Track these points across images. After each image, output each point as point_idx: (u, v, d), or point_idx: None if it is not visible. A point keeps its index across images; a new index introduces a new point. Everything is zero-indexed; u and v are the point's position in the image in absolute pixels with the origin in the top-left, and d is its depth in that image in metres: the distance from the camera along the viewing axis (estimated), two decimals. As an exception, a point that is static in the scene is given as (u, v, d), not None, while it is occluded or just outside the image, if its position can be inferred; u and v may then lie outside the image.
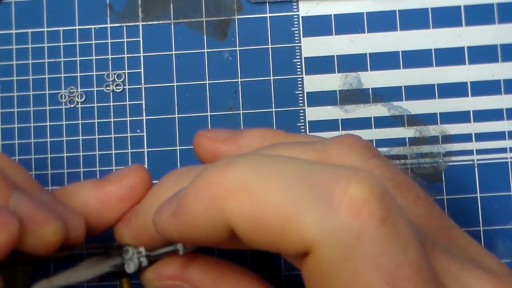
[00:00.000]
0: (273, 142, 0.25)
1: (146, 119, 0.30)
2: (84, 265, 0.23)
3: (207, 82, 0.30)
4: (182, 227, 0.19)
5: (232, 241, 0.19)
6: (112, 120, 0.30)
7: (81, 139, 0.30)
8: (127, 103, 0.30)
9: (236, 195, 0.18)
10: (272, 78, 0.30)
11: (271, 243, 0.18)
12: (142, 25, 0.30)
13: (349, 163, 0.21)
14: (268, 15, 0.30)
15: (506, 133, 0.29)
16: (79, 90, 0.30)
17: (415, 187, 0.22)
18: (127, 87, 0.30)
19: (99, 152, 0.30)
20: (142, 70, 0.30)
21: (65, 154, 0.30)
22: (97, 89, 0.30)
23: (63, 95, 0.30)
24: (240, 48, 0.30)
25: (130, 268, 0.23)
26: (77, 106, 0.30)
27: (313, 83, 0.30)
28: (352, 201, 0.17)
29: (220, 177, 0.18)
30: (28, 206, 0.21)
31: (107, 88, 0.30)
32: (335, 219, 0.17)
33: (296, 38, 0.30)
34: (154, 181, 0.27)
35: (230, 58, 0.30)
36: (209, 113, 0.30)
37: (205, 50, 0.30)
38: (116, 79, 0.30)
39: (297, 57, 0.30)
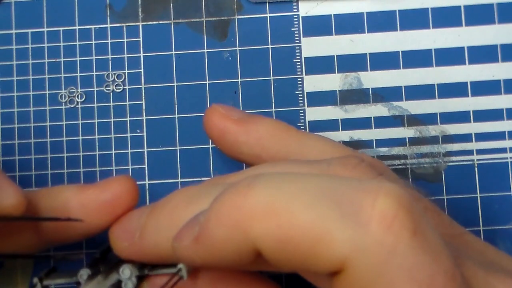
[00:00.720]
0: (282, 136, 0.25)
1: (146, 119, 0.30)
2: None
3: (207, 82, 0.30)
4: (205, 252, 0.19)
5: (258, 264, 0.19)
6: (112, 120, 0.30)
7: (81, 139, 0.30)
8: (127, 103, 0.30)
9: (260, 217, 0.17)
10: (272, 78, 0.30)
11: (300, 263, 0.17)
12: (142, 25, 0.30)
13: None
14: (268, 15, 0.30)
15: (506, 133, 0.29)
16: (79, 90, 0.30)
17: (422, 199, 0.22)
18: (127, 87, 0.30)
19: (99, 152, 0.30)
20: (142, 70, 0.30)
21: (65, 154, 0.30)
22: (97, 89, 0.30)
23: (63, 95, 0.30)
24: (240, 48, 0.30)
25: (128, 287, 0.23)
26: (77, 106, 0.30)
27: (313, 83, 0.30)
28: (382, 215, 0.17)
29: (243, 200, 0.18)
30: None
31: (107, 88, 0.30)
32: (367, 234, 0.16)
33: (296, 38, 0.30)
34: (154, 182, 0.27)
35: (230, 58, 0.30)
36: (209, 113, 0.30)
37: (205, 50, 0.30)
38: (116, 79, 0.30)
39: (297, 57, 0.30)
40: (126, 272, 0.23)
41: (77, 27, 0.30)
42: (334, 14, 0.30)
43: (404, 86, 0.30)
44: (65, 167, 0.29)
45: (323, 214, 0.17)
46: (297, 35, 0.30)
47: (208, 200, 0.19)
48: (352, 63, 0.30)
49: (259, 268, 0.20)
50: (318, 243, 0.17)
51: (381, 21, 0.30)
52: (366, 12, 0.30)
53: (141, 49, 0.30)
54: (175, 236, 0.20)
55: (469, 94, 0.30)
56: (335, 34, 0.30)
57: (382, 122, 0.30)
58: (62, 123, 0.30)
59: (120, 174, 0.24)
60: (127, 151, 0.30)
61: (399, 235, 0.16)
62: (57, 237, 0.24)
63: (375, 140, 0.29)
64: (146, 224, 0.22)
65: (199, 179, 0.29)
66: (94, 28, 0.30)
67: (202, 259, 0.19)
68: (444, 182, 0.29)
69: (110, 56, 0.30)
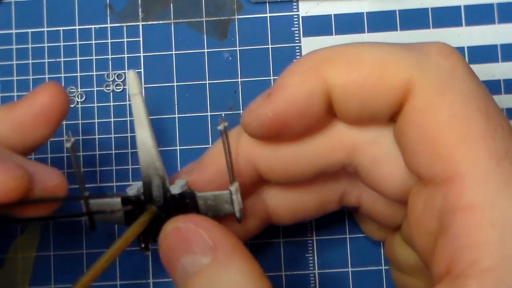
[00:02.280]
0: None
1: (146, 119, 0.30)
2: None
3: (207, 82, 0.30)
4: (277, 105, 0.20)
5: (328, 117, 0.21)
6: (112, 120, 0.30)
7: (81, 139, 0.30)
8: (127, 103, 0.30)
9: (330, 60, 0.20)
10: (272, 78, 0.30)
11: (369, 97, 0.19)
12: (142, 25, 0.30)
13: None
14: (268, 15, 0.30)
15: (506, 133, 0.29)
16: (79, 90, 0.30)
17: None
18: (127, 87, 0.30)
19: (99, 152, 0.30)
20: (142, 70, 0.30)
21: (65, 154, 0.30)
22: (97, 89, 0.30)
23: (63, 95, 0.30)
24: (240, 48, 0.30)
25: (176, 187, 0.22)
26: (77, 106, 0.30)
27: (313, 83, 0.30)
28: (440, 49, 0.19)
29: (313, 53, 0.20)
30: None
31: (107, 88, 0.30)
32: (429, 60, 0.19)
33: (296, 38, 0.30)
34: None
35: (230, 58, 0.30)
36: (209, 113, 0.30)
37: (205, 50, 0.30)
38: (116, 79, 0.30)
39: (297, 57, 0.30)
40: (181, 182, 0.22)
41: (77, 27, 0.30)
42: (334, 14, 0.30)
43: (404, 86, 0.30)
44: (65, 167, 0.29)
45: (389, 49, 0.19)
46: (297, 35, 0.30)
47: None
48: (352, 63, 0.30)
49: (328, 122, 0.21)
50: (385, 70, 0.19)
51: (381, 21, 0.30)
52: (366, 12, 0.30)
53: (141, 49, 0.30)
54: (247, 107, 0.21)
55: (469, 94, 0.30)
56: (335, 34, 0.30)
57: (382, 122, 0.30)
58: (62, 123, 0.30)
59: (47, 82, 0.24)
60: (127, 151, 0.30)
61: (457, 62, 0.19)
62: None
63: (375, 140, 0.29)
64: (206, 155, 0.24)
65: (199, 179, 0.29)
66: (94, 28, 0.30)
67: (273, 114, 0.20)
68: (444, 182, 0.29)
69: (110, 56, 0.30)
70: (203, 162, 0.23)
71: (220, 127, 0.22)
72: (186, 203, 0.22)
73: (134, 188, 0.23)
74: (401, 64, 0.19)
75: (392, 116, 0.20)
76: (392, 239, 0.26)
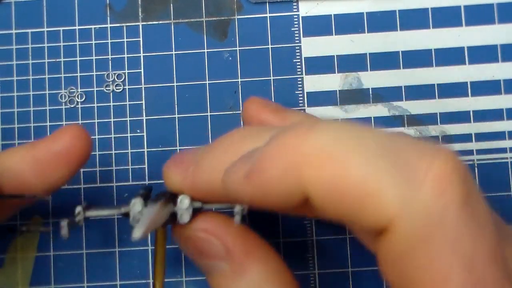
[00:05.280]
0: None
1: (146, 119, 0.30)
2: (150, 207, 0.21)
3: (207, 82, 0.30)
4: (255, 191, 0.19)
5: (303, 208, 0.19)
6: (112, 120, 0.30)
7: (81, 139, 0.30)
8: (127, 103, 0.30)
9: (315, 163, 0.17)
10: (272, 78, 0.30)
11: (347, 214, 0.17)
12: (142, 25, 0.30)
13: None
14: (268, 15, 0.30)
15: (506, 133, 0.29)
16: (79, 90, 0.30)
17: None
18: (127, 87, 0.30)
19: (99, 152, 0.30)
20: (142, 70, 0.30)
21: (65, 154, 0.30)
22: (97, 89, 0.30)
23: (63, 95, 0.30)
24: (240, 48, 0.30)
25: (184, 219, 0.22)
26: (77, 106, 0.30)
27: (313, 83, 0.30)
28: (436, 179, 0.16)
29: (301, 142, 0.18)
30: None
31: (107, 88, 0.30)
32: (418, 197, 0.16)
33: (296, 38, 0.30)
34: (154, 182, 0.27)
35: (230, 58, 0.30)
36: (209, 113, 0.30)
37: (205, 50, 0.30)
38: (116, 79, 0.30)
39: (297, 57, 0.30)
40: (185, 202, 0.22)
41: (77, 27, 0.30)
42: (334, 14, 0.30)
43: (404, 86, 0.30)
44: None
45: (377, 170, 0.17)
46: (297, 35, 0.30)
47: (265, 139, 0.19)
48: (352, 63, 0.30)
49: (304, 212, 0.19)
50: (368, 197, 0.17)
51: (381, 21, 0.30)
52: (366, 12, 0.30)
53: (141, 49, 0.30)
54: (227, 170, 0.20)
55: (469, 94, 0.30)
56: (335, 34, 0.30)
57: (382, 122, 0.30)
58: (62, 123, 0.30)
59: (70, 125, 0.24)
60: (127, 151, 0.30)
61: (450, 203, 0.16)
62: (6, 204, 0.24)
63: (375, 140, 0.29)
64: (201, 158, 0.22)
65: (199, 179, 0.29)
66: (94, 28, 0.30)
67: (250, 197, 0.19)
68: (444, 182, 0.29)
69: (110, 56, 0.30)
70: (201, 170, 0.22)
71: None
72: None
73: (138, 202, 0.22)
74: (387, 196, 0.17)
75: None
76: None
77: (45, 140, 0.23)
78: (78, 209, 0.22)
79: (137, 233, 0.19)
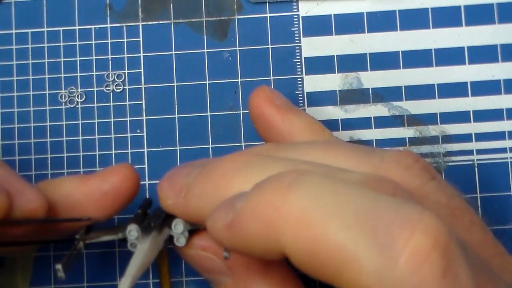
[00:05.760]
0: (312, 138, 0.25)
1: (146, 119, 0.30)
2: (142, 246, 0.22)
3: (207, 82, 0.30)
4: (235, 241, 0.19)
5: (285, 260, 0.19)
6: (112, 120, 0.30)
7: (81, 139, 0.30)
8: (127, 103, 0.30)
9: (293, 224, 0.17)
10: (272, 78, 0.30)
11: (323, 278, 0.17)
12: (142, 25, 0.30)
13: (405, 185, 0.20)
14: (268, 15, 0.30)
15: (506, 133, 0.29)
16: (79, 90, 0.30)
17: (469, 212, 0.21)
18: (127, 87, 0.30)
19: (99, 152, 0.30)
20: (142, 70, 0.30)
21: (65, 154, 0.30)
22: (97, 89, 0.30)
23: (63, 95, 0.30)
24: (240, 48, 0.30)
25: (180, 242, 0.23)
26: (77, 106, 0.30)
27: (313, 83, 0.30)
28: (414, 253, 0.16)
29: (280, 201, 0.17)
30: None
31: (107, 88, 0.30)
32: (394, 270, 0.16)
33: (296, 38, 0.30)
34: (154, 181, 0.27)
35: (230, 58, 0.30)
36: (209, 113, 0.30)
37: (205, 50, 0.30)
38: (116, 79, 0.30)
39: (297, 57, 0.30)
40: (179, 227, 0.23)
41: (77, 27, 0.30)
42: (334, 14, 0.30)
43: (404, 86, 0.30)
44: (65, 167, 0.29)
45: (356, 237, 0.16)
46: (297, 35, 0.30)
47: (255, 176, 0.19)
48: (352, 63, 0.30)
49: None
50: (344, 267, 0.16)
51: (381, 21, 0.30)
52: (366, 12, 0.30)
53: (141, 49, 0.30)
54: (210, 215, 0.20)
55: (469, 94, 0.30)
56: (335, 34, 0.30)
57: (382, 122, 0.30)
58: (62, 123, 0.30)
59: (121, 162, 0.25)
60: (127, 151, 0.30)
61: (427, 277, 0.16)
62: (61, 228, 0.24)
63: (375, 140, 0.29)
64: (191, 186, 0.22)
65: (199, 179, 0.29)
66: (94, 28, 0.30)
67: (231, 245, 0.19)
68: (444, 182, 0.29)
69: (110, 56, 0.30)
70: (191, 199, 0.22)
71: None
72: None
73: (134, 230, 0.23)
74: (363, 269, 0.16)
75: None
76: None
77: (96, 177, 0.24)
78: (77, 236, 0.23)
79: (123, 286, 0.20)
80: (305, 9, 0.30)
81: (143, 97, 0.30)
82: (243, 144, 0.29)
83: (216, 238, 0.20)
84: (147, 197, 0.28)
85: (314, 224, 0.17)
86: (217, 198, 0.20)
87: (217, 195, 0.20)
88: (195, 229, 0.23)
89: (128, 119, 0.30)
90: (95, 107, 0.30)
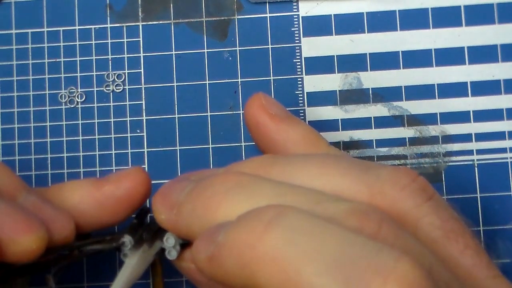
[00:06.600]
0: (307, 149, 0.24)
1: (146, 119, 0.30)
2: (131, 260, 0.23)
3: (207, 82, 0.30)
4: (216, 274, 0.19)
5: None
6: (112, 120, 0.30)
7: (81, 139, 0.30)
8: (127, 103, 0.30)
9: (268, 265, 0.17)
10: (272, 78, 0.30)
11: None
12: (142, 25, 0.30)
13: (400, 206, 0.20)
14: (268, 15, 0.30)
15: (506, 133, 0.29)
16: (79, 90, 0.30)
17: (464, 234, 0.21)
18: (127, 87, 0.30)
19: (99, 152, 0.30)
20: (142, 70, 0.30)
21: (65, 154, 0.30)
22: (97, 89, 0.30)
23: (63, 95, 0.30)
24: (240, 48, 0.30)
25: (172, 255, 0.23)
26: (77, 106, 0.30)
27: (313, 83, 0.30)
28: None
29: (257, 240, 0.18)
30: (8, 214, 0.21)
31: (107, 88, 0.30)
32: None
33: (296, 38, 0.30)
34: (154, 181, 0.27)
35: (230, 58, 0.30)
36: (209, 113, 0.30)
37: (205, 50, 0.30)
38: (116, 79, 0.30)
39: (297, 57, 0.30)
40: (171, 241, 0.23)
41: (77, 27, 0.30)
42: (334, 14, 0.30)
43: (404, 86, 0.30)
44: (65, 167, 0.29)
45: (329, 284, 0.16)
46: (297, 35, 0.30)
47: (242, 203, 0.20)
48: (352, 63, 0.30)
49: None
50: None
51: (381, 21, 0.30)
52: (366, 12, 0.30)
53: (141, 49, 0.30)
54: (194, 246, 0.20)
55: (469, 94, 0.30)
56: (335, 34, 0.30)
57: (382, 122, 0.30)
58: (62, 123, 0.30)
59: (134, 166, 0.25)
60: (127, 151, 0.30)
61: None
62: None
63: (375, 140, 0.29)
64: (183, 204, 0.22)
65: (199, 179, 0.29)
66: (94, 28, 0.30)
67: (212, 277, 0.20)
68: (444, 182, 0.29)
69: (110, 56, 0.30)
70: (182, 217, 0.22)
71: None
72: None
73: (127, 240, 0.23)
74: None
75: None
76: None
77: (109, 182, 0.24)
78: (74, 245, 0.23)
79: None
80: (305, 9, 0.30)
81: (143, 97, 0.30)
82: (243, 144, 0.29)
83: (199, 269, 0.20)
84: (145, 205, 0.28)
85: (287, 267, 0.17)
86: (205, 220, 0.21)
87: (205, 217, 0.21)
88: (187, 242, 0.23)
89: (128, 119, 0.30)
90: (95, 107, 0.30)
